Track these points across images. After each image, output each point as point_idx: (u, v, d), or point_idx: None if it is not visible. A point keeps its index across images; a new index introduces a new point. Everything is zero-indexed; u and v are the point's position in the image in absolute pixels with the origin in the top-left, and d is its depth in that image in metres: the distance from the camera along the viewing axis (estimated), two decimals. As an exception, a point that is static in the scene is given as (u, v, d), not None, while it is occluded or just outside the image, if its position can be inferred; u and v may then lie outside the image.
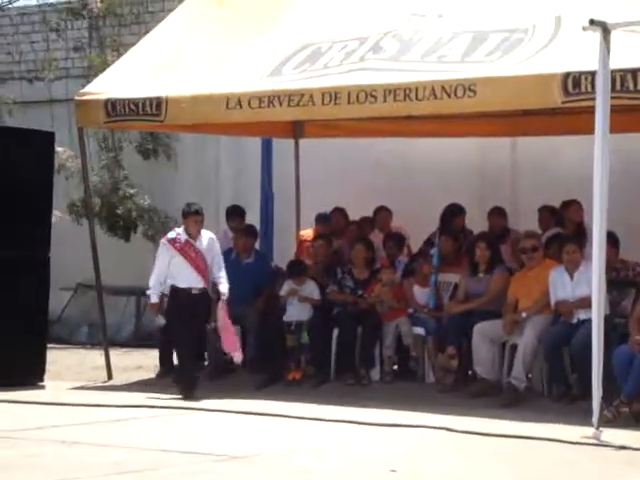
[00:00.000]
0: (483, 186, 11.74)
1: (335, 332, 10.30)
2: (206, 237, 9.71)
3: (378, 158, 12.09)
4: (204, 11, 10.84)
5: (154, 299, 9.65)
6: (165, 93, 9.76)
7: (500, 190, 11.62)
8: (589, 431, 7.71)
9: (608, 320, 8.31)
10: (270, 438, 7.95)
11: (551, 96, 8.17)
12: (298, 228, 11.92)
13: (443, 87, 8.55)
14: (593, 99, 7.76)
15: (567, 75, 8.05)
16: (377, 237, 11.24)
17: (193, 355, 9.64)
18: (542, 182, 11.19)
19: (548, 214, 10.71)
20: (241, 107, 9.38)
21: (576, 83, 8.02)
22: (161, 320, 9.69)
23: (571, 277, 9.33)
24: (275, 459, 7.26)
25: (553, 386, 9.31)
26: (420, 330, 10.28)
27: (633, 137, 10.08)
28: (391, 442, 7.80)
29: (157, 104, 9.75)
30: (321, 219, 11.58)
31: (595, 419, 7.74)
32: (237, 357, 9.75)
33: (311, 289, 10.45)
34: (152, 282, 9.67)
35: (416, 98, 8.69)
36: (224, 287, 9.62)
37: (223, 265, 9.72)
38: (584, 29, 7.75)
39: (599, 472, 6.90)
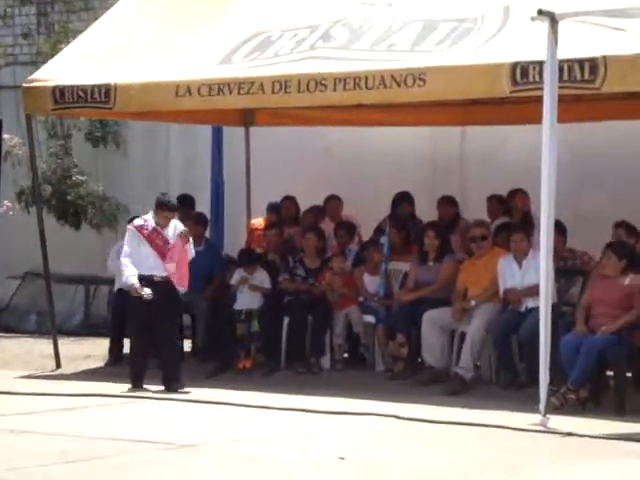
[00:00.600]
0: (433, 175, 11.79)
1: (286, 320, 10.32)
2: (176, 228, 9.51)
3: (329, 147, 12.10)
4: (154, -1, 10.79)
5: (133, 280, 9.30)
6: (114, 80, 9.70)
7: (450, 179, 11.68)
8: (536, 418, 7.78)
9: (555, 308, 8.40)
10: (219, 426, 7.95)
11: (499, 85, 8.22)
12: (249, 217, 11.91)
13: (393, 76, 8.57)
14: (541, 89, 7.81)
15: (515, 65, 8.10)
16: (328, 226, 11.26)
17: (145, 345, 9.45)
18: (491, 171, 11.25)
19: (497, 203, 10.78)
20: (191, 95, 9.35)
21: (524, 73, 8.07)
22: (147, 292, 9.18)
23: (520, 265, 9.41)
24: (224, 447, 7.26)
25: (501, 374, 9.39)
26: (370, 318, 10.32)
27: (581, 127, 10.17)
28: (340, 430, 7.82)
29: (106, 91, 9.69)
30: (272, 209, 11.58)
31: (542, 406, 7.81)
32: (182, 288, 9.41)
33: (262, 278, 10.45)
34: (130, 268, 9.34)
35: (366, 87, 8.70)
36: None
37: (191, 254, 9.50)
38: (532, 19, 7.79)
39: (545, 458, 6.97)
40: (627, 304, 8.51)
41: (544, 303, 7.85)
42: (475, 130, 11.39)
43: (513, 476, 6.52)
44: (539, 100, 7.81)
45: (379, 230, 10.93)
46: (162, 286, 9.25)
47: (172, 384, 9.20)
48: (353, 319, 10.35)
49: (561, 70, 7.81)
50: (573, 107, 9.18)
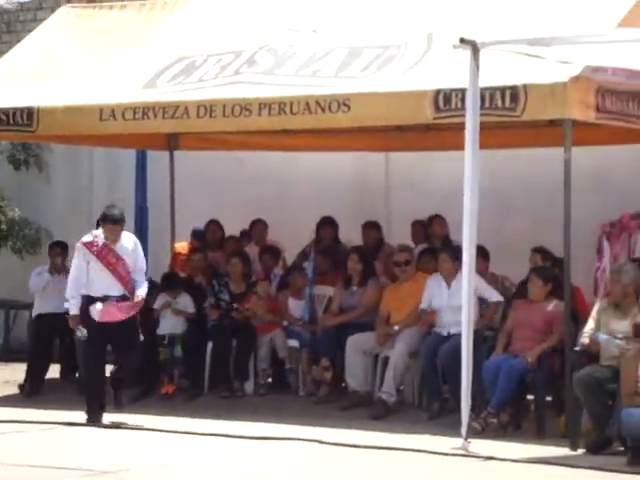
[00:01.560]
0: (358, 200, 11.85)
1: (209, 345, 10.28)
2: (129, 240, 9.07)
3: (254, 171, 12.11)
4: (77, 21, 10.72)
5: (74, 310, 8.83)
6: (37, 103, 9.61)
7: (375, 204, 11.74)
8: (458, 442, 7.83)
9: (478, 333, 8.48)
10: (141, 452, 7.88)
11: (423, 112, 8.29)
12: (173, 241, 11.86)
13: (317, 102, 8.61)
14: (463, 116, 7.91)
15: (438, 92, 8.18)
16: (253, 250, 11.26)
17: (102, 377, 9.00)
18: (415, 197, 11.34)
19: (420, 228, 10.87)
20: (115, 119, 9.29)
21: (447, 100, 8.16)
22: (83, 332, 8.78)
23: (448, 286, 9.46)
24: (145, 474, 7.20)
25: (424, 397, 9.42)
26: (295, 342, 10.32)
27: (502, 153, 10.31)
28: (264, 455, 7.80)
29: (28, 114, 9.58)
30: (196, 235, 11.55)
31: (464, 430, 7.87)
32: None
33: (185, 302, 10.40)
34: (70, 291, 8.87)
35: (291, 112, 8.73)
36: (141, 291, 9.01)
37: (144, 268, 9.16)
38: (454, 47, 7.89)
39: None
40: (549, 329, 8.62)
41: (466, 327, 7.92)
42: (399, 156, 11.49)
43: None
44: (462, 127, 7.91)
45: (303, 254, 10.95)
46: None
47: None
48: (277, 343, 10.34)
49: (483, 98, 7.91)
50: (495, 134, 9.30)
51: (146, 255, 12.10)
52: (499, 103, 7.99)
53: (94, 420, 8.79)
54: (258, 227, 11.55)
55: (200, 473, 7.24)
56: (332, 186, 11.82)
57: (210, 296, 10.50)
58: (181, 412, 9.19)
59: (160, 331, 10.24)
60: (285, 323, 10.45)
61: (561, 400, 8.42)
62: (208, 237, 11.58)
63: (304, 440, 8.10)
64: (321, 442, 8.03)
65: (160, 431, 8.50)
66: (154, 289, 10.71)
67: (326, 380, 9.83)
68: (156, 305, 10.36)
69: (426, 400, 9.38)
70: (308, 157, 11.65)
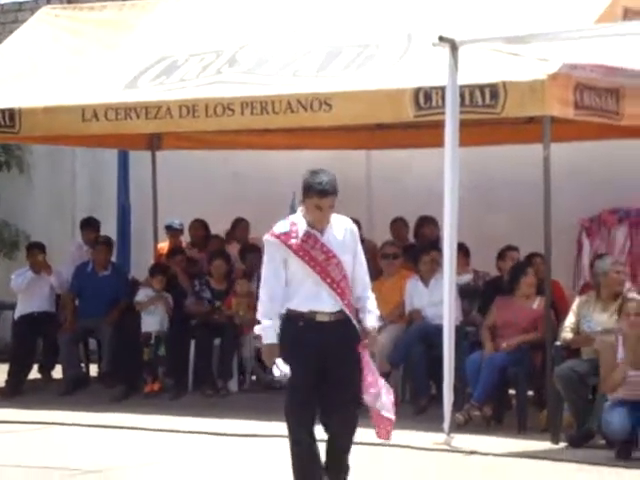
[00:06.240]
0: (339, 197, 11.80)
1: (192, 343, 10.31)
2: (340, 227, 6.14)
3: (236, 170, 12.13)
4: (58, 22, 10.73)
5: (268, 338, 5.96)
6: (19, 104, 9.63)
7: (356, 202, 11.75)
8: (441, 437, 7.89)
9: (459, 329, 8.54)
10: (126, 451, 7.91)
11: (403, 110, 8.35)
12: (156, 240, 11.88)
13: (299, 101, 8.66)
14: (444, 113, 7.97)
15: (418, 90, 8.24)
16: (234, 248, 11.30)
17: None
18: (396, 194, 11.39)
19: (402, 226, 10.92)
20: (97, 119, 9.31)
21: (427, 97, 8.21)
22: (284, 369, 5.94)
23: (426, 285, 9.53)
24: (130, 472, 7.23)
25: (407, 391, 9.47)
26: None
27: (483, 150, 10.37)
28: (248, 452, 7.84)
29: (10, 115, 9.60)
30: (170, 229, 11.54)
31: (446, 425, 7.93)
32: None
33: (167, 297, 10.42)
34: (263, 309, 5.98)
35: (273, 111, 8.77)
36: (372, 319, 6.07)
37: (368, 280, 6.20)
38: (434, 45, 7.95)
39: (447, 478, 7.07)
40: (533, 327, 8.67)
41: (448, 322, 7.98)
42: (380, 154, 11.54)
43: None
44: (442, 124, 7.97)
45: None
46: (338, 326, 5.93)
47: None
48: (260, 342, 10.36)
49: (462, 95, 7.97)
50: (475, 131, 9.36)
51: (128, 254, 12.21)
52: (479, 101, 8.04)
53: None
54: (240, 226, 11.58)
55: (185, 471, 7.27)
56: (314, 184, 11.83)
57: (191, 295, 10.53)
58: (165, 410, 9.21)
59: (145, 328, 10.25)
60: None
61: (542, 395, 8.49)
62: (191, 235, 11.61)
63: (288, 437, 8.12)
64: (305, 439, 8.05)
65: (145, 430, 8.53)
66: (136, 288, 10.76)
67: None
68: (137, 297, 10.35)
69: (411, 395, 9.43)
70: (289, 155, 11.67)
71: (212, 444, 8.10)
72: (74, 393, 10.15)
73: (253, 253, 11.07)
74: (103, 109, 9.28)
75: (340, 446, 6.14)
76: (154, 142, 11.61)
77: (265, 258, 6.03)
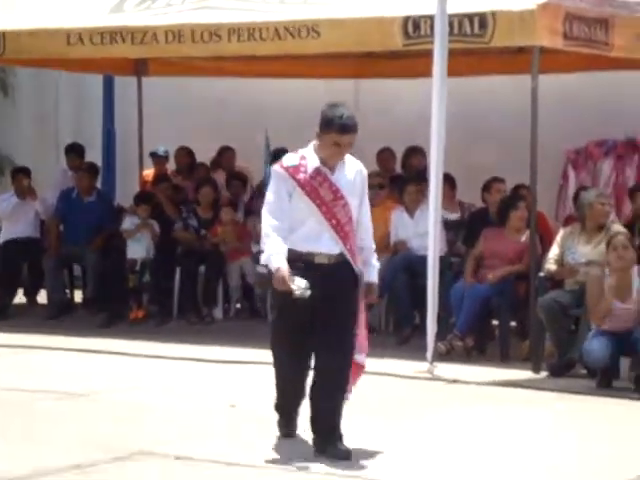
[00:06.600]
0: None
1: (178, 271, 10.32)
2: (352, 167, 5.90)
3: (222, 97, 12.05)
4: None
5: (278, 262, 5.70)
6: (3, 27, 9.52)
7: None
8: (424, 366, 7.95)
9: (443, 259, 8.57)
10: (112, 376, 7.96)
11: (392, 39, 8.29)
12: (141, 167, 11.82)
13: (287, 28, 8.58)
14: (432, 42, 7.91)
15: (407, 18, 8.17)
16: (220, 176, 11.26)
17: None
18: (385, 124, 11.33)
19: (389, 156, 10.89)
20: (82, 43, 9.22)
21: (416, 26, 8.15)
22: (303, 285, 5.69)
23: (411, 216, 9.54)
24: (116, 396, 7.28)
25: (391, 320, 9.53)
26: (263, 269, 10.34)
27: (471, 80, 10.32)
28: (231, 379, 7.90)
29: (-5, 38, 9.51)
30: (155, 156, 11.48)
31: (429, 354, 7.99)
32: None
33: (152, 224, 10.40)
34: (273, 242, 5.72)
35: (260, 38, 8.70)
36: (373, 274, 6.11)
37: (370, 227, 6.11)
38: (423, -27, 7.88)
39: (428, 404, 7.14)
40: (519, 259, 8.70)
41: (432, 253, 8.01)
42: (369, 83, 11.46)
43: (398, 424, 6.67)
44: (431, 54, 7.91)
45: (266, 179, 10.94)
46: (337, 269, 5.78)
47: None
48: (246, 270, 10.41)
49: (451, 25, 7.91)
50: (463, 61, 9.31)
51: (114, 181, 12.17)
52: (468, 30, 7.99)
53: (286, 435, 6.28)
54: (227, 154, 11.54)
55: (169, 396, 7.32)
56: (301, 113, 11.77)
57: (178, 222, 10.53)
58: (150, 337, 9.25)
59: (130, 255, 10.24)
60: (254, 250, 10.50)
61: (525, 326, 8.56)
62: (176, 163, 11.56)
63: (272, 364, 8.17)
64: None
65: (130, 355, 8.58)
66: (122, 215, 10.74)
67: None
68: (124, 225, 10.34)
69: (394, 324, 9.49)
70: (276, 83, 11.59)
71: (196, 370, 8.15)
72: (59, 318, 10.18)
73: (237, 181, 11.07)
74: (88, 33, 9.19)
75: (327, 389, 5.87)
76: (140, 68, 11.50)
77: (270, 189, 5.80)
